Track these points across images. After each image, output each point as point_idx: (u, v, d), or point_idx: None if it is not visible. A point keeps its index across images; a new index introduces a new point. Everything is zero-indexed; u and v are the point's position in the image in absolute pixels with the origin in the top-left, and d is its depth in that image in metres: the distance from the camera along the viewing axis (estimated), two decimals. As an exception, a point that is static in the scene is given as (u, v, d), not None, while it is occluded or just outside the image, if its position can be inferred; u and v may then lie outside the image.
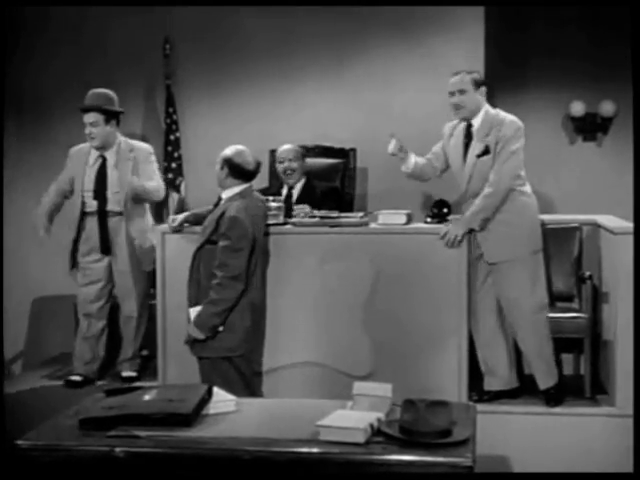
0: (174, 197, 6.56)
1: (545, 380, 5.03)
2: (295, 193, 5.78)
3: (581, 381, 5.17)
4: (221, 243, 4.62)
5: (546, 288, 5.07)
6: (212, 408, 3.63)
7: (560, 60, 6.81)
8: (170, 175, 6.57)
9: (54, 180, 5.78)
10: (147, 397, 3.64)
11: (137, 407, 3.54)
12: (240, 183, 4.76)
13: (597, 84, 6.85)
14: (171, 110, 6.59)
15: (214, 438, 3.36)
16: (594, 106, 6.87)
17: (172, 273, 5.08)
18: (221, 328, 4.64)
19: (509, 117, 4.95)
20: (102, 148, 5.63)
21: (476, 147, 4.93)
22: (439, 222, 5.07)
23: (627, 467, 4.35)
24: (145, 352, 5.79)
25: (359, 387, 3.65)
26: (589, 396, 5.10)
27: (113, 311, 5.78)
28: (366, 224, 5.08)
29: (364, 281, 4.99)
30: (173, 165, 6.60)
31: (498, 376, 5.08)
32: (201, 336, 4.64)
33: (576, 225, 5.31)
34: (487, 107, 4.99)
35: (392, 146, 5.10)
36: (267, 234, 4.94)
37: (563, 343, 5.25)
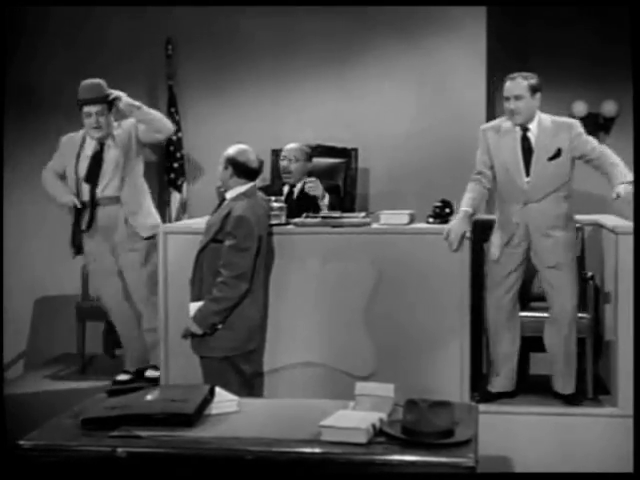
0: (176, 197, 6.56)
1: (570, 386, 5.04)
2: (296, 192, 5.78)
3: (583, 382, 5.17)
4: (227, 242, 4.62)
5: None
6: (214, 408, 3.63)
7: (562, 60, 6.81)
8: (172, 175, 6.58)
9: (45, 167, 5.74)
10: (149, 397, 3.64)
11: (139, 407, 3.54)
12: (244, 182, 4.76)
13: (599, 84, 6.85)
14: (173, 110, 6.60)
15: (216, 438, 3.36)
16: (596, 106, 6.87)
17: (174, 273, 5.08)
18: (220, 326, 4.65)
19: (570, 119, 5.11)
20: (103, 137, 5.62)
21: (544, 151, 4.89)
22: (441, 222, 5.07)
23: (629, 467, 4.34)
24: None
25: (361, 387, 3.65)
26: (591, 396, 5.10)
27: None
28: (368, 224, 5.08)
29: (366, 281, 4.99)
30: (175, 165, 6.61)
31: (505, 377, 5.08)
32: (199, 331, 4.63)
33: (578, 225, 5.30)
34: (539, 112, 4.97)
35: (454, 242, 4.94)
36: (270, 234, 4.94)
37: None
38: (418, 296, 4.96)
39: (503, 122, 5.01)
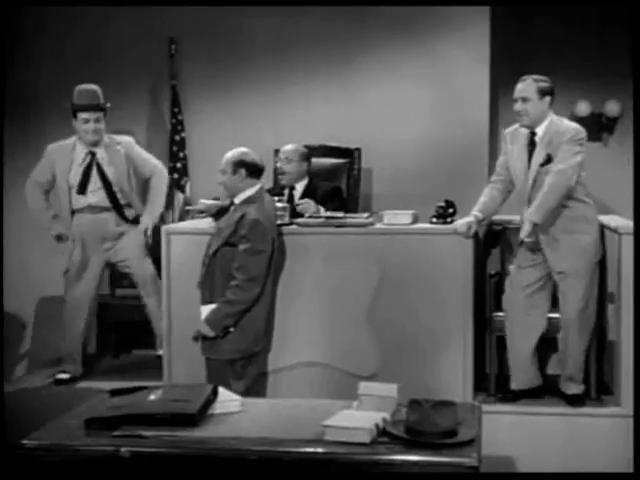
0: (179, 197, 6.57)
1: (575, 386, 5.04)
2: (297, 194, 5.78)
3: (586, 382, 5.16)
4: (241, 246, 4.62)
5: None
6: (217, 408, 3.64)
7: (566, 60, 6.79)
8: (175, 175, 6.58)
9: (29, 177, 5.78)
10: (152, 397, 3.65)
11: (142, 407, 3.55)
12: (255, 183, 4.76)
13: (602, 84, 6.83)
14: (176, 110, 6.61)
15: (219, 438, 3.37)
16: (599, 106, 6.86)
17: (177, 273, 5.09)
18: (232, 329, 4.65)
19: (572, 124, 4.95)
20: (94, 144, 5.64)
21: (539, 156, 4.89)
22: (444, 222, 5.07)
23: (632, 467, 4.35)
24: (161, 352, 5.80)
25: (364, 387, 3.65)
26: (594, 397, 5.10)
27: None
28: (371, 224, 5.08)
29: (369, 281, 4.99)
30: (178, 165, 6.61)
31: (527, 375, 5.08)
32: (211, 334, 4.64)
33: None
34: (552, 116, 4.93)
35: (464, 228, 4.94)
36: (280, 234, 4.95)
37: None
38: (421, 296, 4.97)
39: (520, 126, 5.01)
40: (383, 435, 3.34)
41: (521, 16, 6.83)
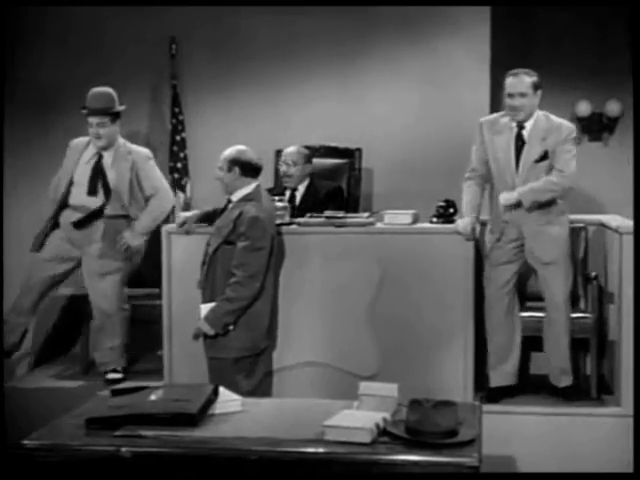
0: (180, 197, 6.57)
1: (566, 378, 5.04)
2: (298, 195, 5.79)
3: (587, 381, 5.17)
4: (240, 243, 4.62)
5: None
6: (218, 408, 3.63)
7: (566, 60, 6.80)
8: (176, 175, 6.58)
9: (56, 174, 5.77)
10: (153, 397, 3.65)
11: (143, 407, 3.54)
12: (250, 181, 4.76)
13: (603, 84, 6.84)
14: (177, 110, 6.61)
15: (220, 438, 3.36)
16: (600, 106, 6.86)
17: (178, 273, 5.09)
18: (232, 327, 4.65)
19: (565, 122, 4.98)
20: (104, 147, 5.64)
21: (533, 151, 4.88)
22: (445, 222, 5.07)
23: (632, 467, 4.35)
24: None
25: (365, 387, 3.65)
26: (595, 396, 5.10)
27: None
28: (372, 224, 5.08)
29: (370, 281, 4.99)
30: (179, 165, 6.61)
31: (502, 371, 5.08)
32: (211, 332, 4.64)
33: (582, 225, 5.30)
34: (538, 110, 4.94)
35: (468, 230, 4.96)
36: (280, 234, 4.95)
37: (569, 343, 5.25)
38: (422, 296, 4.97)
39: (500, 117, 5.00)
40: (384, 435, 3.34)
41: (522, 16, 6.84)
